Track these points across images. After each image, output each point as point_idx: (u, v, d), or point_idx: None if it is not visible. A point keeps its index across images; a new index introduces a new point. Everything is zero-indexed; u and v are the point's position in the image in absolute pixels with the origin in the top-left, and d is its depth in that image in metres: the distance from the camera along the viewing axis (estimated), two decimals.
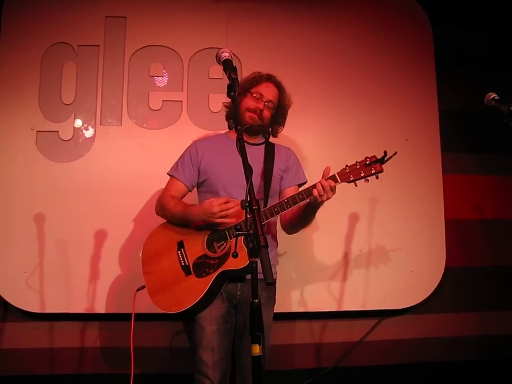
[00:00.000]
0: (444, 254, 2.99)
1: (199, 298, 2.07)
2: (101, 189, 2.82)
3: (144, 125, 2.94)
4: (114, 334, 2.75)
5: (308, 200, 2.07)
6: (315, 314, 2.90)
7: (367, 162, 2.05)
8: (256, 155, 2.25)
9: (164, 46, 2.99)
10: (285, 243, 2.80)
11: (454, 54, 3.20)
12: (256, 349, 1.42)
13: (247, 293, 2.15)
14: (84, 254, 2.76)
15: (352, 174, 2.06)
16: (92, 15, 2.96)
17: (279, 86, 2.39)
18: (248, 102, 2.30)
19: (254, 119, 2.28)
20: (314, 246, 2.89)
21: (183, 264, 2.15)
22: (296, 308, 2.86)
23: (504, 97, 2.00)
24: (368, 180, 2.06)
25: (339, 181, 2.05)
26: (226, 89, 1.76)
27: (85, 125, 2.91)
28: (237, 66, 1.83)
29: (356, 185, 2.06)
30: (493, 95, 2.03)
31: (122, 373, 2.61)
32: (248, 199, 1.53)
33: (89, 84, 2.92)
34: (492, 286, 3.08)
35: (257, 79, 2.35)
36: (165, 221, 2.27)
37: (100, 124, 2.90)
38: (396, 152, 2.02)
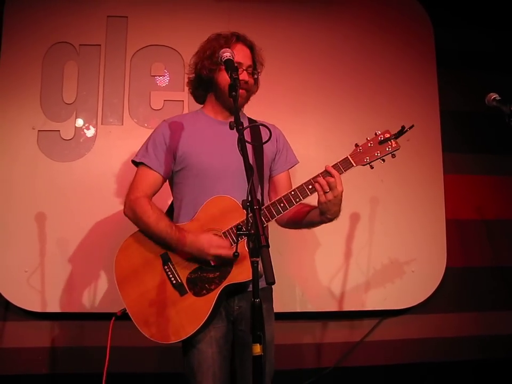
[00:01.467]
0: (445, 254, 2.99)
1: (203, 322, 1.79)
2: (102, 189, 2.82)
3: (146, 125, 2.94)
4: (115, 333, 2.74)
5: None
6: (316, 315, 2.90)
7: (381, 139, 1.83)
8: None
9: (165, 46, 2.99)
10: (285, 243, 2.81)
11: (455, 54, 3.21)
12: (257, 349, 1.41)
13: (244, 308, 1.92)
14: (85, 253, 2.76)
15: (367, 154, 1.83)
16: (93, 14, 2.96)
17: (249, 44, 2.05)
18: (227, 78, 1.76)
19: (242, 95, 1.96)
20: (315, 246, 2.89)
21: (174, 282, 1.83)
22: (296, 308, 2.86)
23: (505, 97, 1.99)
24: (384, 160, 1.84)
25: (354, 164, 1.83)
26: (228, 89, 1.72)
27: (86, 125, 2.91)
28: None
29: (372, 167, 1.85)
30: (494, 95, 2.02)
31: (123, 372, 2.62)
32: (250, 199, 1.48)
33: (90, 84, 2.92)
34: (493, 286, 3.09)
35: (226, 45, 1.92)
36: None
37: (101, 124, 2.91)
38: (412, 125, 1.81)
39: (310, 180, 1.86)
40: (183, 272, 1.85)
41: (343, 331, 2.96)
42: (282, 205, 1.85)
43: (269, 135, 1.82)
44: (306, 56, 3.06)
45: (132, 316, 1.85)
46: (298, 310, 2.86)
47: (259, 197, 1.97)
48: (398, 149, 1.84)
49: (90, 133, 2.90)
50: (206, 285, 1.83)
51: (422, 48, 3.17)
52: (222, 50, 1.81)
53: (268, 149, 2.04)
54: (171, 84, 2.99)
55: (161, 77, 2.99)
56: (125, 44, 2.97)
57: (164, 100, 2.95)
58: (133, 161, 2.01)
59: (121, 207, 2.70)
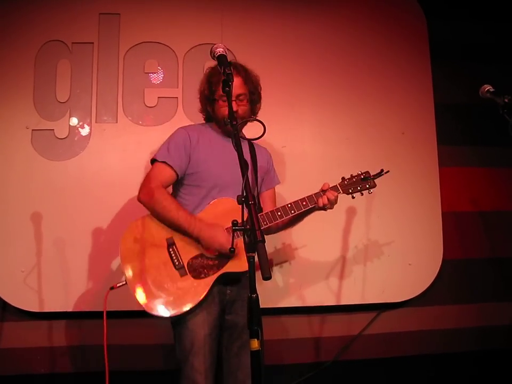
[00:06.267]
0: (441, 246, 3.00)
1: (198, 301, 1.98)
2: (97, 187, 2.81)
3: (140, 122, 2.93)
4: (113, 331, 2.74)
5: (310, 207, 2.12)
6: (314, 309, 2.90)
7: (362, 177, 2.19)
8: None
9: (158, 43, 2.97)
10: (283, 238, 2.81)
11: (449, 46, 3.20)
12: (255, 344, 1.41)
13: (235, 292, 2.12)
14: (82, 252, 2.75)
15: (351, 186, 2.17)
16: (85, 12, 2.93)
17: (239, 71, 2.15)
18: (221, 110, 2.12)
19: (234, 125, 2.05)
20: (312, 240, 2.88)
21: (177, 263, 2.02)
22: (295, 303, 2.86)
23: (499, 89, 2.00)
24: (363, 194, 2.20)
25: (341, 191, 2.16)
26: (221, 85, 1.74)
27: (80, 123, 2.89)
28: (231, 62, 1.82)
29: (353, 198, 2.19)
30: (488, 87, 2.03)
31: (122, 370, 2.61)
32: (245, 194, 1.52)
33: (84, 82, 2.90)
34: (490, 278, 3.10)
35: (215, 81, 2.12)
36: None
37: (96, 122, 2.88)
38: (388, 171, 2.19)
39: (311, 195, 2.13)
40: (185, 257, 2.03)
41: (342, 325, 2.96)
42: (279, 213, 2.09)
43: (263, 154, 2.31)
44: (299, 51, 3.04)
45: (132, 288, 2.00)
46: (296, 305, 2.86)
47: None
48: (375, 186, 2.21)
49: (84, 131, 2.89)
50: (205, 270, 2.02)
51: (416, 40, 3.17)
52: (215, 46, 1.82)
53: (261, 166, 2.29)
54: (165, 80, 2.97)
55: (155, 74, 2.97)
56: (117, 41, 2.94)
57: (158, 97, 2.94)
58: (155, 159, 2.14)
59: (116, 206, 2.77)
